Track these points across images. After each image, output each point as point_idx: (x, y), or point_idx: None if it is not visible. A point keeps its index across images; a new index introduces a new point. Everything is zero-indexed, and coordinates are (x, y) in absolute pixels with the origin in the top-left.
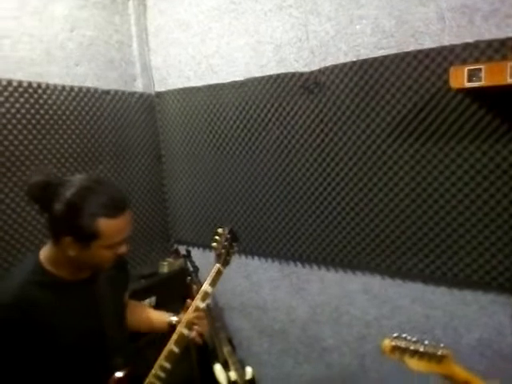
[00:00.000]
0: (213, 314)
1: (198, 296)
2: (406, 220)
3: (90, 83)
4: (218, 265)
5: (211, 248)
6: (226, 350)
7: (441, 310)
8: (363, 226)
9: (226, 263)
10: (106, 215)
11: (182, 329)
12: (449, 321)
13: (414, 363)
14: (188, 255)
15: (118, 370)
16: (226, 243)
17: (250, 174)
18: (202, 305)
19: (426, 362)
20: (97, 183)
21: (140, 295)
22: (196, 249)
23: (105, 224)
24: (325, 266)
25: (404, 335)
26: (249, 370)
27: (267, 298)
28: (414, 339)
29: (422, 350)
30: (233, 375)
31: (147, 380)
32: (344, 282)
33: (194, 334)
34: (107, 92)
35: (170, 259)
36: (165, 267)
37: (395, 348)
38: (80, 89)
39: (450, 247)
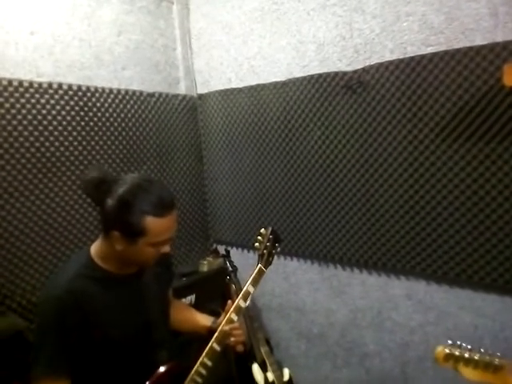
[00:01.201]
0: (251, 313)
1: (240, 296)
2: (455, 224)
3: (135, 86)
4: (260, 265)
5: (250, 248)
6: (264, 350)
7: (490, 319)
8: (408, 229)
9: (268, 264)
10: (154, 214)
11: (223, 328)
12: (499, 330)
13: (468, 372)
14: (227, 255)
15: (162, 364)
16: (268, 244)
17: (291, 175)
18: (244, 304)
19: (480, 371)
20: (148, 182)
21: (180, 293)
22: (235, 249)
23: (152, 222)
24: (367, 270)
25: (458, 343)
26: (286, 372)
27: (306, 300)
28: (469, 347)
29: (477, 358)
30: (270, 376)
31: (190, 376)
32: (387, 286)
33: (233, 341)
34: (152, 95)
35: (210, 258)
36: (204, 266)
37: (449, 356)
38: (126, 92)
39: (502, 252)
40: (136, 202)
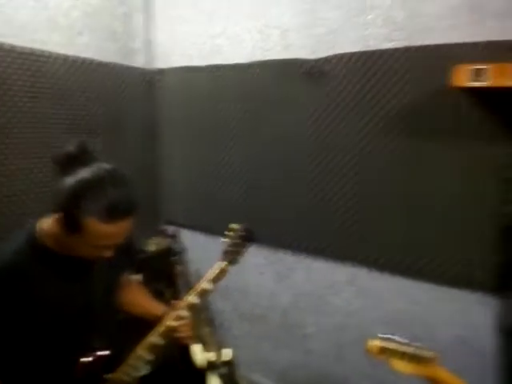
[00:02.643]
0: None
1: (195, 291)
2: (397, 216)
3: (91, 54)
4: (221, 262)
5: (201, 230)
6: (206, 331)
7: (421, 306)
8: (353, 218)
9: (233, 262)
10: (98, 217)
11: (170, 323)
12: (428, 317)
13: (401, 365)
14: (176, 235)
15: (98, 350)
16: (237, 241)
17: (246, 158)
18: (197, 301)
19: (413, 364)
20: (111, 182)
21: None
22: (186, 230)
23: (93, 225)
24: (312, 256)
25: (392, 336)
26: (227, 352)
27: (251, 283)
28: (402, 340)
29: (409, 351)
30: (211, 356)
31: (122, 368)
32: (330, 272)
33: (180, 337)
34: (107, 65)
35: (158, 238)
36: (152, 246)
37: (383, 349)
38: (80, 59)
39: (437, 245)
40: (86, 198)
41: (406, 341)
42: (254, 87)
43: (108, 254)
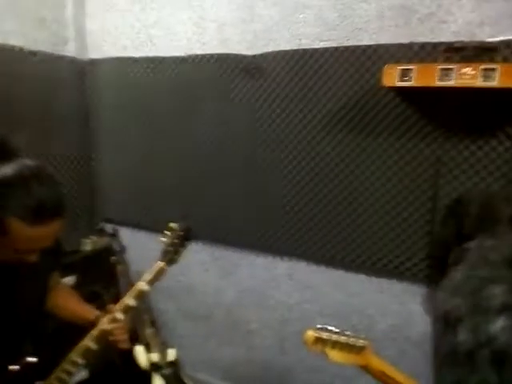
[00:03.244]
0: None
1: (131, 293)
2: (333, 210)
3: (16, 42)
4: (159, 263)
5: (141, 228)
6: (149, 331)
7: (358, 297)
8: (293, 214)
9: (171, 262)
10: (22, 218)
11: (103, 327)
12: (365, 308)
13: (334, 354)
14: (114, 234)
15: (26, 356)
16: (176, 240)
17: (183, 152)
18: (133, 303)
19: (345, 353)
20: (36, 179)
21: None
22: (125, 228)
23: (17, 226)
24: (254, 251)
25: (327, 326)
26: (171, 352)
27: (196, 281)
28: (336, 330)
29: (342, 341)
30: (155, 356)
31: (55, 373)
32: (271, 267)
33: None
34: (34, 53)
35: (95, 237)
36: (88, 245)
37: (318, 339)
38: (4, 46)
39: (370, 238)
40: (9, 195)
41: (338, 330)
42: (191, 80)
43: (33, 258)
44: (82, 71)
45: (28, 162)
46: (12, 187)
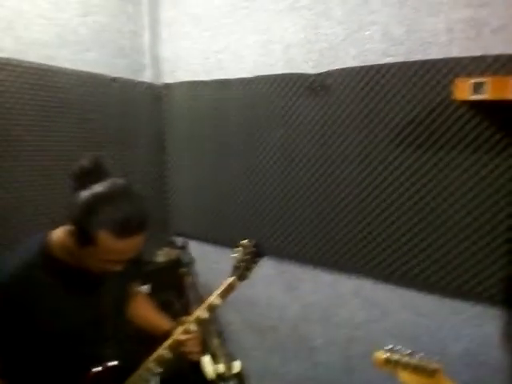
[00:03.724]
0: None
1: (204, 306)
2: (402, 226)
3: (99, 70)
4: (231, 278)
5: (209, 241)
6: (215, 342)
7: (429, 318)
8: (359, 230)
9: (242, 278)
10: (111, 231)
11: (178, 337)
12: (437, 329)
13: (406, 376)
14: (184, 246)
15: (107, 360)
16: (247, 257)
17: (252, 170)
18: (206, 315)
19: (417, 376)
20: (125, 197)
21: None
22: (194, 241)
23: (106, 239)
24: (319, 267)
25: (397, 347)
26: (237, 364)
27: (260, 295)
28: (407, 352)
29: (414, 363)
30: (221, 367)
31: (131, 379)
32: (336, 283)
33: (187, 351)
34: (115, 79)
35: (167, 249)
36: (161, 257)
37: (388, 361)
38: (88, 74)
39: (444, 256)
40: (100, 210)
41: (410, 352)
42: (257, 101)
43: (118, 268)
44: (158, 95)
45: (118, 180)
46: (104, 203)
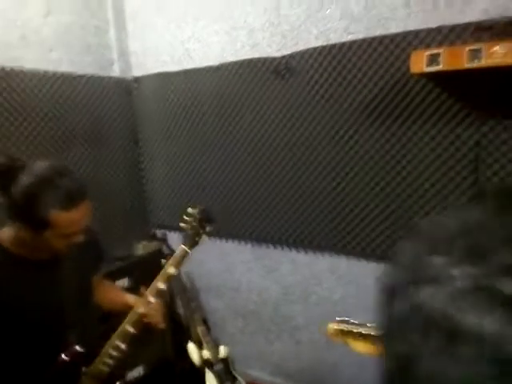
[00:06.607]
0: (188, 294)
1: (160, 277)
2: (371, 203)
3: (64, 68)
4: (183, 246)
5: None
6: (200, 329)
7: None
8: (331, 209)
9: (192, 245)
10: (60, 207)
11: (137, 310)
12: None
13: (358, 345)
14: (164, 238)
15: (72, 346)
16: (195, 224)
17: (225, 157)
18: (163, 286)
19: (369, 344)
20: (56, 173)
21: (113, 276)
22: (173, 233)
23: (58, 216)
24: (296, 248)
25: (348, 319)
26: (223, 349)
27: (241, 280)
28: (358, 322)
29: (364, 332)
30: (206, 354)
31: (99, 359)
32: (313, 263)
33: (150, 322)
34: (82, 76)
35: (146, 242)
36: (140, 249)
37: (338, 331)
38: (54, 73)
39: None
40: (41, 195)
41: (359, 322)
42: (226, 88)
43: (80, 238)
44: (128, 89)
45: (41, 163)
46: (43, 187)
